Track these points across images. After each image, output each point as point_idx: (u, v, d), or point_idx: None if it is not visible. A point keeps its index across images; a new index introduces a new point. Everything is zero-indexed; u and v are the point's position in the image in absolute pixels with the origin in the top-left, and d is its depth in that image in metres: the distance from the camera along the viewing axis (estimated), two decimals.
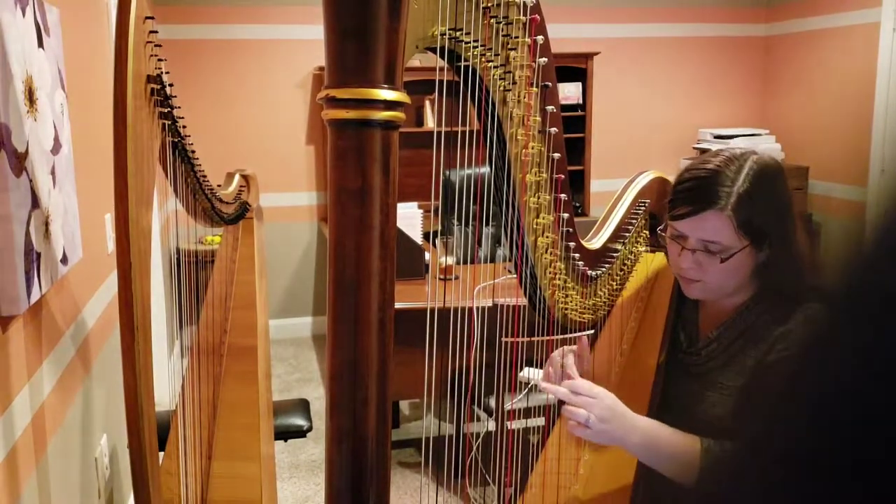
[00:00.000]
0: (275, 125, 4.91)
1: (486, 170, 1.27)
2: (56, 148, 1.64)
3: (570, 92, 4.98)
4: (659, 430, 1.23)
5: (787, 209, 1.30)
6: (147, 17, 1.05)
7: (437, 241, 3.31)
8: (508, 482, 1.46)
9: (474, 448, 2.38)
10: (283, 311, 5.11)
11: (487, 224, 3.66)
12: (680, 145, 5.44)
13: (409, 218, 3.49)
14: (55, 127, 1.64)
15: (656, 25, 5.34)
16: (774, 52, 5.46)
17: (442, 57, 0.98)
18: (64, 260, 1.68)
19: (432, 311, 1.07)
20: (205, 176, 1.63)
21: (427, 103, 4.89)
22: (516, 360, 1.35)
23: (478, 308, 1.45)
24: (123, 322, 1.01)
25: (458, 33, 1.00)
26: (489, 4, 1.06)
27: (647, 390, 1.37)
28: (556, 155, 1.29)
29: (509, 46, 1.13)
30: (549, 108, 1.25)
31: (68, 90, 1.80)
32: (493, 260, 3.70)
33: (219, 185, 2.14)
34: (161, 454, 1.32)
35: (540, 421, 1.63)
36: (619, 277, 1.58)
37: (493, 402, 2.74)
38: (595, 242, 1.51)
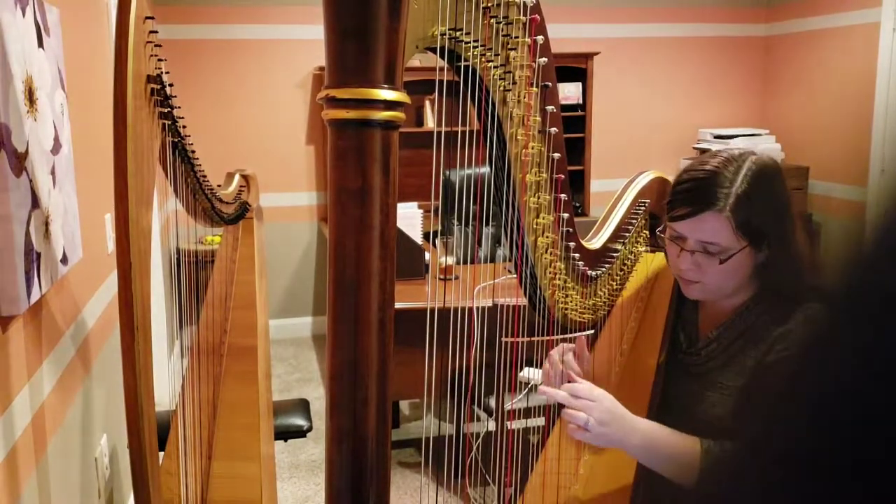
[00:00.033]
0: (275, 125, 4.91)
1: (486, 170, 1.27)
2: (56, 148, 1.64)
3: (570, 92, 4.98)
4: (658, 431, 1.23)
5: (786, 209, 1.30)
6: (147, 17, 1.06)
7: (437, 241, 3.31)
8: (508, 482, 1.46)
9: (474, 448, 2.38)
10: (283, 311, 5.11)
11: (487, 224, 3.66)
12: (680, 145, 5.44)
13: (409, 218, 3.49)
14: (55, 127, 1.64)
15: (656, 25, 5.34)
16: (774, 52, 5.46)
17: (442, 57, 0.98)
18: (64, 260, 1.68)
19: (432, 311, 1.07)
20: (205, 176, 1.63)
21: (427, 103, 4.89)
22: (516, 360, 1.35)
23: (478, 308, 1.45)
24: (123, 322, 1.01)
25: (458, 33, 1.00)
26: (489, 4, 1.06)
27: (646, 390, 1.37)
28: (556, 155, 1.29)
29: (509, 46, 1.13)
30: (549, 108, 1.25)
31: (68, 90, 1.80)
32: (493, 260, 3.69)
33: (219, 185, 2.14)
34: (161, 454, 1.32)
35: (540, 421, 1.63)
36: (619, 277, 1.58)
37: (493, 402, 2.74)
38: (595, 242, 1.51)
